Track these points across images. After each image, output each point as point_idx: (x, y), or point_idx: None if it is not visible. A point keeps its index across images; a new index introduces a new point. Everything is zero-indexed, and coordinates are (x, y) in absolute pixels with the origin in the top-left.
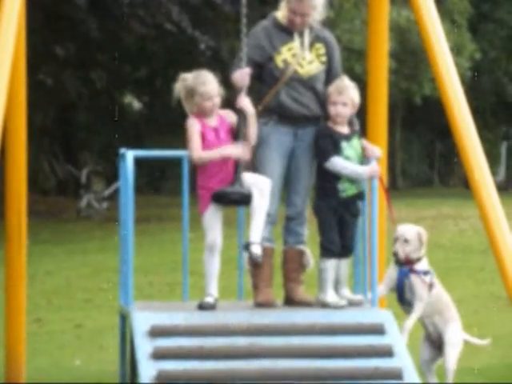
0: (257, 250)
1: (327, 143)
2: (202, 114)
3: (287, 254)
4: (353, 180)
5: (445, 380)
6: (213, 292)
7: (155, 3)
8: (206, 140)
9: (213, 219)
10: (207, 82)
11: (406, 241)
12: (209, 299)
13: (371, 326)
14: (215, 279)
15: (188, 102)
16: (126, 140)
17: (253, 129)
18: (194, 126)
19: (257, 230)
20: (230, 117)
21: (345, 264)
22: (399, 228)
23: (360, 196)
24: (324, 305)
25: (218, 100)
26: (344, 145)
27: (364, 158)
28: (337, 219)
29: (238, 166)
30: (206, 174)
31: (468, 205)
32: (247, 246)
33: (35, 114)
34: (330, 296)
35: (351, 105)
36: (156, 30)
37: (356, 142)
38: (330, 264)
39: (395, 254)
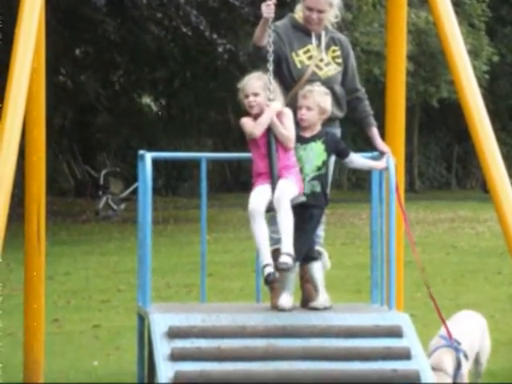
0: (285, 259)
1: None
2: (249, 112)
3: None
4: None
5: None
6: (267, 261)
7: (173, 6)
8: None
9: (256, 192)
10: (247, 79)
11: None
12: (268, 270)
13: (389, 328)
14: (265, 246)
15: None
16: (143, 141)
17: (280, 132)
18: (244, 119)
19: (287, 240)
20: (286, 114)
21: (313, 269)
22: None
23: (311, 199)
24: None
25: (259, 99)
26: (296, 146)
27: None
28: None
29: (273, 175)
30: (254, 162)
31: (486, 208)
32: (276, 258)
33: (54, 116)
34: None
35: (318, 110)
36: (174, 32)
37: (316, 146)
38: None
39: None
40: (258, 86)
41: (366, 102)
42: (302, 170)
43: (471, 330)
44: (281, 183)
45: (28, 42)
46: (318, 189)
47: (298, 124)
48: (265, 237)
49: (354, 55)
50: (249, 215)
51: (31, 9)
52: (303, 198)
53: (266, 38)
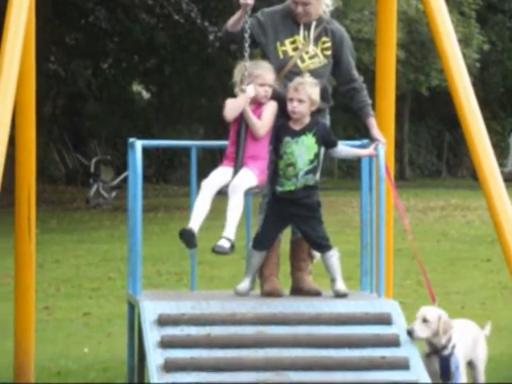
0: (223, 243)
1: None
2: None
3: (296, 244)
4: (289, 176)
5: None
6: (192, 225)
7: None
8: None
9: (217, 171)
10: (262, 68)
11: (424, 320)
12: (189, 227)
13: (378, 315)
14: (197, 216)
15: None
16: (134, 129)
17: (250, 118)
18: (228, 100)
19: (229, 226)
20: (270, 106)
21: (328, 259)
22: (422, 308)
23: (303, 192)
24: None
25: (270, 90)
26: (287, 140)
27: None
28: (278, 216)
29: (237, 160)
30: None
31: (476, 196)
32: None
33: (45, 103)
34: (242, 285)
35: (309, 102)
36: (165, 20)
37: (307, 139)
38: (255, 255)
39: (409, 332)
40: (272, 78)
41: (364, 92)
42: (294, 165)
43: (463, 339)
44: (241, 172)
45: (18, 29)
46: (311, 182)
47: (287, 116)
48: (203, 212)
49: (351, 45)
50: (200, 188)
51: None
52: (257, 190)
53: (238, 24)
